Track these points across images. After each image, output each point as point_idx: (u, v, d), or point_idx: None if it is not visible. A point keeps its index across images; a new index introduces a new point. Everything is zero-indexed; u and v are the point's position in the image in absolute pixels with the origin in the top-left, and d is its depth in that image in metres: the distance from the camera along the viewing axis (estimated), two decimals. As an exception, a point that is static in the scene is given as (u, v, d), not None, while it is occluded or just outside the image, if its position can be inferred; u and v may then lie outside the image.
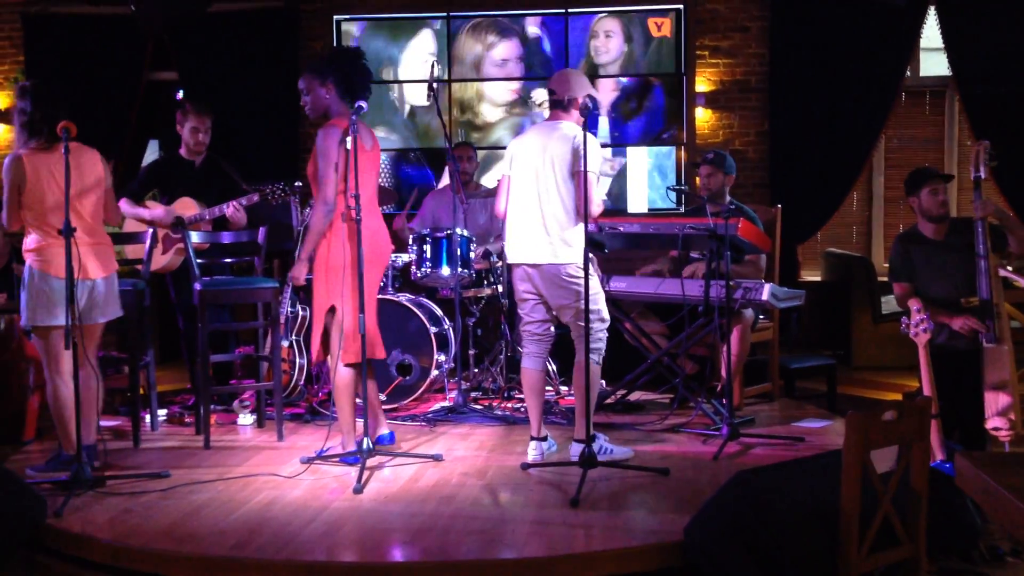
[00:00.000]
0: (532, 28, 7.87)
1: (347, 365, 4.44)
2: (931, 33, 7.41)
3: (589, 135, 4.27)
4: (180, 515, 3.82)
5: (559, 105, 4.49)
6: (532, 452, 4.55)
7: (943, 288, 4.72)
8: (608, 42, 7.83)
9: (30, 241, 4.31)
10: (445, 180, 7.83)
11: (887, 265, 7.77)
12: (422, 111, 7.98)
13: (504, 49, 7.93)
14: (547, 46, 7.89)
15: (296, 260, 4.41)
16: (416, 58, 7.95)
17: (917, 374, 4.30)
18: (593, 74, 7.72)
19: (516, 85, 7.93)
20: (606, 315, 4.52)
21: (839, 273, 7.63)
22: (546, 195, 4.41)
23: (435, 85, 5.81)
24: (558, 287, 4.41)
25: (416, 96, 8.00)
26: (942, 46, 7.34)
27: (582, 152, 4.23)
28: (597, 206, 4.43)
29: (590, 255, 4.33)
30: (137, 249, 5.34)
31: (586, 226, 4.26)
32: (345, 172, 4.32)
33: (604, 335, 4.51)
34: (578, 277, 4.32)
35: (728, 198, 5.59)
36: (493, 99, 7.99)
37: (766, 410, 5.58)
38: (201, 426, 5.02)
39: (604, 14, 7.79)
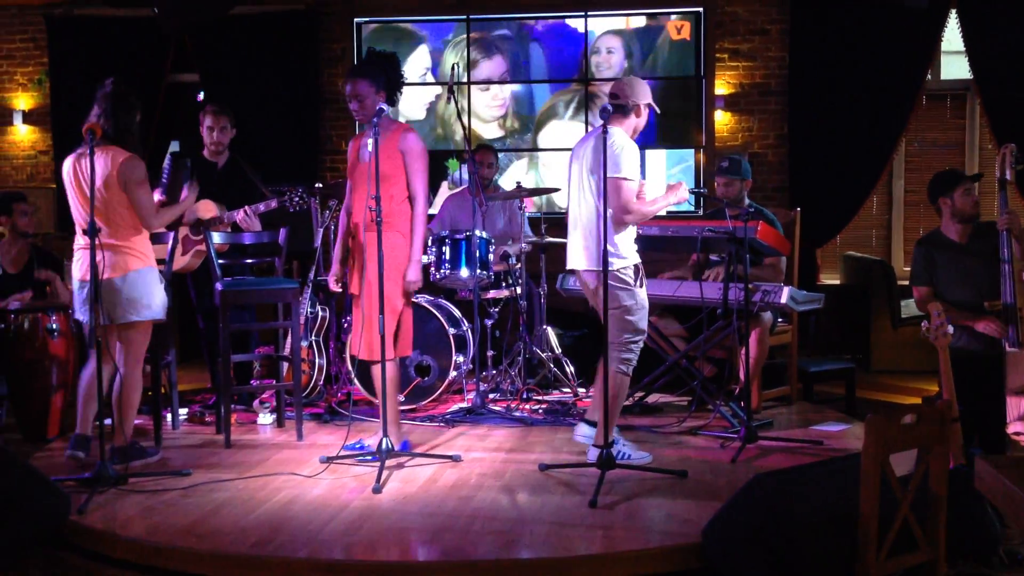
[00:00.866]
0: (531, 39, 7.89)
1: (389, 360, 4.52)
2: (952, 36, 7.37)
3: (630, 141, 4.38)
4: (201, 513, 3.85)
5: (621, 110, 4.50)
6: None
7: (966, 292, 4.71)
8: (610, 58, 7.85)
9: None
10: (443, 191, 7.86)
11: (907, 268, 7.76)
12: (417, 126, 8.01)
13: (487, 68, 7.94)
14: (540, 58, 7.91)
15: (410, 262, 4.44)
16: (412, 74, 7.94)
17: (937, 378, 4.29)
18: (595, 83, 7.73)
19: (502, 100, 7.94)
20: (642, 326, 4.51)
21: (858, 276, 7.60)
22: (588, 200, 4.45)
23: (454, 89, 5.82)
24: (595, 293, 4.42)
25: (411, 110, 8.03)
26: (963, 49, 7.30)
27: (605, 157, 4.23)
28: (631, 213, 4.34)
29: (638, 263, 4.37)
30: (159, 250, 5.38)
31: (604, 236, 4.21)
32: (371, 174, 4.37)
33: (636, 347, 4.51)
34: (617, 284, 4.34)
35: (747, 201, 5.58)
36: (479, 114, 8.00)
37: (784, 413, 5.58)
38: (222, 425, 5.06)
39: (606, 32, 7.81)
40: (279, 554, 3.42)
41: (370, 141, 4.34)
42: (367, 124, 4.46)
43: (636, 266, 4.43)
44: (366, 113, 4.48)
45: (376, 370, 4.58)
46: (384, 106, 4.39)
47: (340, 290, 4.75)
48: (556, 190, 6.64)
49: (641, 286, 4.46)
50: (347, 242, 4.68)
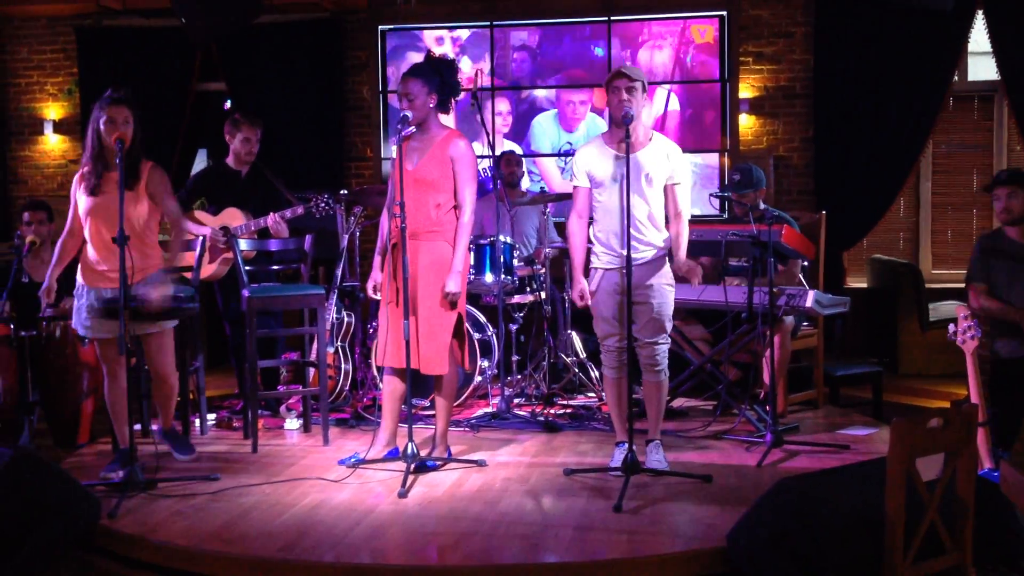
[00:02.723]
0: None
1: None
2: (979, 37, 7.30)
3: (590, 142, 4.51)
4: (230, 517, 3.89)
5: None
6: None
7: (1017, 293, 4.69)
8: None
9: None
10: None
11: (935, 271, 7.72)
12: None
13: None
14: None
15: (451, 272, 4.41)
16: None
17: (965, 382, 4.26)
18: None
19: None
20: (596, 329, 4.53)
21: (886, 280, 7.55)
22: None
23: (479, 94, 5.85)
24: None
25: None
26: (990, 50, 7.24)
27: None
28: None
29: (597, 267, 4.44)
30: (186, 257, 5.42)
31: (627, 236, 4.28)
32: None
33: (605, 347, 4.50)
34: None
35: (763, 206, 5.54)
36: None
37: (811, 417, 5.55)
38: (249, 430, 5.10)
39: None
40: (306, 558, 3.45)
41: (394, 148, 4.37)
42: (416, 127, 4.44)
43: (594, 270, 4.48)
44: (417, 115, 4.44)
45: (397, 381, 4.58)
46: (409, 114, 4.40)
47: (378, 297, 4.71)
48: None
49: (595, 292, 4.45)
50: (387, 249, 4.61)
